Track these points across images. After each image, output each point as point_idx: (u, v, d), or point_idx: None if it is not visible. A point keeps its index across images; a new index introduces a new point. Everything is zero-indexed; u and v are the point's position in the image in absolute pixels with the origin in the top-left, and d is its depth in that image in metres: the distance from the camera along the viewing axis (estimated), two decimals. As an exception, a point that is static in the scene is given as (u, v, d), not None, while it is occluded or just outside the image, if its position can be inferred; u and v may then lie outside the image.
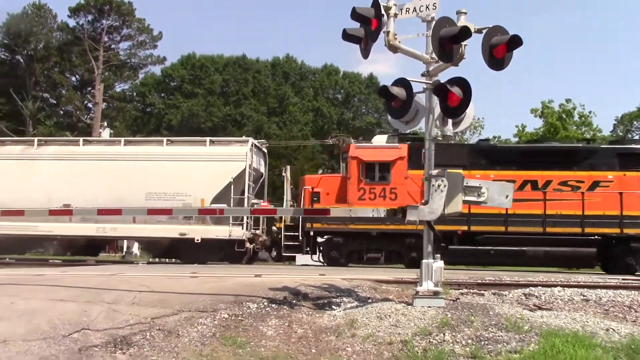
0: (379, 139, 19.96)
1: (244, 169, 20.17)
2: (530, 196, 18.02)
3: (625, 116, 54.20)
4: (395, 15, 8.26)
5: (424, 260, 8.36)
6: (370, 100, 59.44)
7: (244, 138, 22.14)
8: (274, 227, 20.46)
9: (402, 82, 8.35)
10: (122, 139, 22.25)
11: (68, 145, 22.09)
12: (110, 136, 36.91)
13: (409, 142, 18.42)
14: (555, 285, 10.46)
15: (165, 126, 53.31)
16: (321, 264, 19.11)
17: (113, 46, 52.21)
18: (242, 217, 19.76)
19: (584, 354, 6.26)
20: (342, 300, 8.91)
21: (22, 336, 6.67)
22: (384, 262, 18.69)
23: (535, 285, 10.49)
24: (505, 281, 11.63)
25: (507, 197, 8.37)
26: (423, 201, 8.31)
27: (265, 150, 23.46)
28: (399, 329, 7.33)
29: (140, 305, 8.11)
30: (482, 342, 6.83)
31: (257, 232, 21.07)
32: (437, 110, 8.33)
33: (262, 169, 22.58)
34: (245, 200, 19.80)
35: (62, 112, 54.81)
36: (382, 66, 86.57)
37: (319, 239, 19.21)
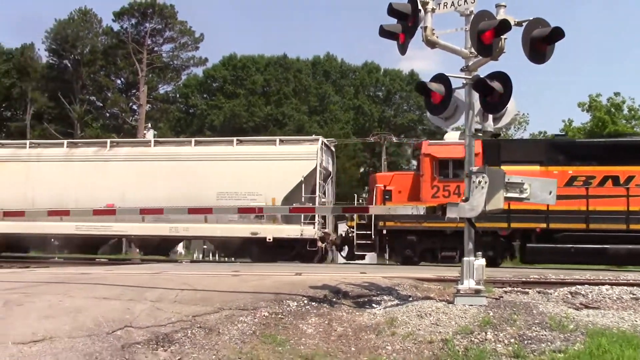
0: (451, 136, 19.49)
1: (315, 168, 20.16)
2: (611, 192, 17.46)
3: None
4: (433, 10, 8.13)
5: (465, 258, 8.22)
6: (411, 97, 58.98)
7: (313, 137, 22.19)
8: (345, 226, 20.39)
9: (441, 78, 8.21)
10: (193, 139, 22.47)
11: (139, 146, 22.61)
12: (154, 137, 37.56)
13: (482, 139, 17.96)
14: (603, 284, 10.18)
15: (207, 127, 54.01)
16: (394, 263, 18.96)
17: (156, 49, 53.23)
18: (314, 216, 19.78)
19: (632, 354, 6.05)
20: (383, 298, 8.85)
21: (68, 333, 6.82)
22: (458, 261, 18.29)
23: (582, 284, 10.22)
24: (550, 279, 11.40)
25: (550, 193, 8.18)
26: (463, 198, 8.17)
27: (333, 149, 23.42)
28: (440, 327, 7.24)
29: (182, 303, 8.21)
30: (525, 341, 6.68)
31: (327, 230, 21.07)
32: (477, 105, 8.18)
33: (330, 167, 22.50)
34: (317, 199, 19.75)
35: (108, 115, 56.28)
36: (423, 63, 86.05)
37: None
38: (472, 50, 8.03)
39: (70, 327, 7.02)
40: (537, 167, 17.52)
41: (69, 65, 53.56)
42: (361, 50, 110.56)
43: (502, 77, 7.71)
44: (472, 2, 8.07)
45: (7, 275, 12.05)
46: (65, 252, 23.21)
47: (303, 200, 19.24)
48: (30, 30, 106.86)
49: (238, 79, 57.72)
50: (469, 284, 8.13)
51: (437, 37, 8.18)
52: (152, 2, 51.12)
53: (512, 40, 7.82)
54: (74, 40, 51.85)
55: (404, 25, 8.30)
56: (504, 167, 16.98)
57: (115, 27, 52.98)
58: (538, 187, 8.23)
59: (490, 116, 8.26)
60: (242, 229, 19.91)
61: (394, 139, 46.53)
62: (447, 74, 8.22)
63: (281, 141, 21.37)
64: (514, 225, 17.48)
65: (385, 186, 18.61)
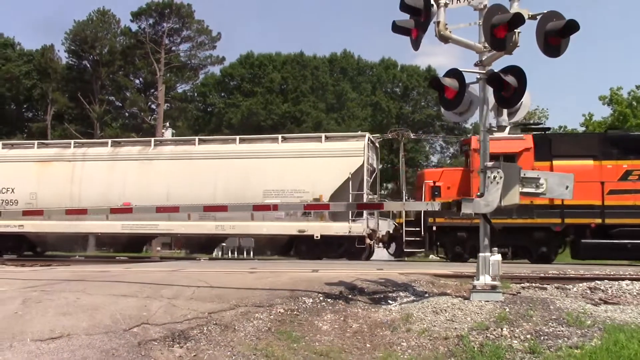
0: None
1: (362, 164, 19.94)
2: None
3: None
4: (446, 4, 8.09)
5: (480, 254, 8.18)
6: (429, 93, 58.56)
7: (360, 133, 21.96)
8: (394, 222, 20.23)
9: (455, 73, 8.16)
10: (237, 137, 22.11)
11: (184, 144, 22.57)
12: (172, 136, 37.76)
13: (532, 133, 17.68)
14: (623, 279, 10.07)
15: (225, 125, 54.20)
16: (444, 259, 18.77)
17: (174, 48, 53.59)
18: (362, 213, 19.47)
19: (650, 349, 5.99)
20: (399, 294, 8.84)
21: (85, 330, 6.90)
22: (510, 257, 17.89)
23: (602, 279, 10.13)
24: (569, 274, 11.31)
25: (567, 188, 8.09)
26: (478, 193, 8.11)
27: (378, 145, 23.22)
28: (455, 323, 7.22)
29: (198, 301, 8.27)
30: (542, 337, 6.64)
31: (374, 227, 20.81)
32: (492, 100, 8.13)
33: (375, 164, 22.27)
34: (364, 196, 19.58)
35: (127, 114, 56.74)
36: (440, 58, 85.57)
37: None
38: (486, 44, 7.97)
39: (88, 324, 7.10)
40: (590, 162, 17.19)
41: (88, 65, 54.08)
42: (378, 47, 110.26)
43: (517, 71, 7.65)
44: (485, -4, 8.03)
45: (28, 274, 12.21)
46: (108, 249, 23.64)
47: (350, 197, 19.05)
48: (50, 31, 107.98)
49: (255, 77, 57.83)
50: (484, 279, 8.09)
51: (450, 31, 8.14)
52: (169, 2, 51.46)
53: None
54: (93, 41, 52.32)
55: (417, 21, 8.27)
56: (555, 162, 16.95)
57: (133, 27, 53.55)
58: (555, 181, 8.16)
59: (505, 111, 8.20)
60: (289, 227, 19.75)
61: (412, 135, 46.31)
62: (460, 69, 8.18)
63: (327, 138, 21.02)
64: (567, 220, 17.12)
65: (434, 182, 18.37)
